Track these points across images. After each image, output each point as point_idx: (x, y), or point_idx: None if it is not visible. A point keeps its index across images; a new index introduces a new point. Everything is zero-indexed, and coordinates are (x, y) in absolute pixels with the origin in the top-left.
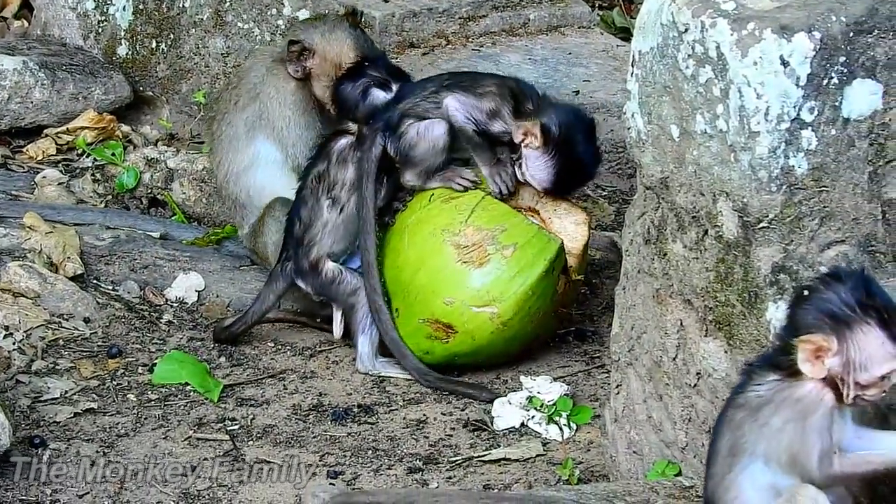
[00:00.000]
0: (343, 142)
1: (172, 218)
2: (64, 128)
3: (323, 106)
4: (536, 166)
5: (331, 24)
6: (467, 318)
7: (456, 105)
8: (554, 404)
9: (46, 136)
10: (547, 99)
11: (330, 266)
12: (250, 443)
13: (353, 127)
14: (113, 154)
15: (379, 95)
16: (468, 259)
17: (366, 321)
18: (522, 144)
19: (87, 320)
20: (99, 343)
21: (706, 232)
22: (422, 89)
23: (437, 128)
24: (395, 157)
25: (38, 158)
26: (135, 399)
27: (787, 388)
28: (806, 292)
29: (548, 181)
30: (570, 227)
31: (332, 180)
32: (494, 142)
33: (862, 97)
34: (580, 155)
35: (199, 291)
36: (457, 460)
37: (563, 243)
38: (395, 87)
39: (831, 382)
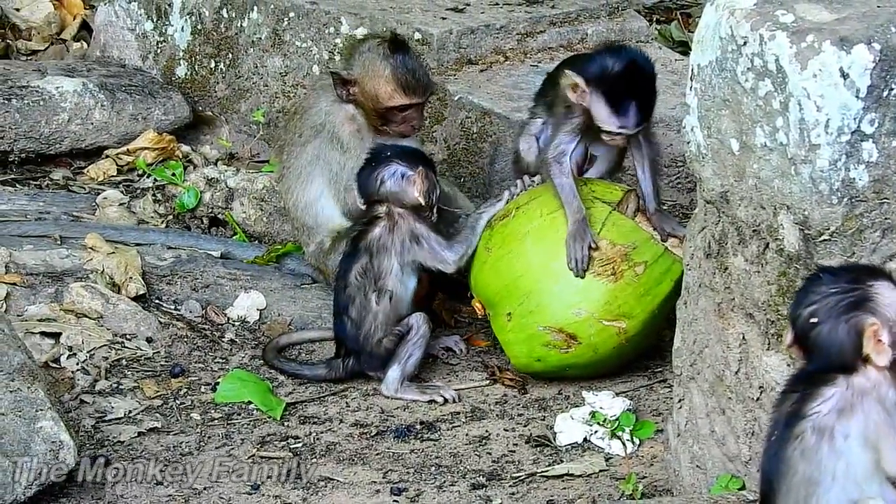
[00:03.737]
0: (377, 231)
1: (233, 237)
2: (124, 148)
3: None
4: (599, 110)
5: (369, 55)
6: (595, 330)
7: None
8: (617, 419)
9: (107, 157)
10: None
11: (385, 345)
12: (314, 460)
13: (381, 211)
14: (173, 174)
15: (398, 169)
16: (602, 272)
17: (404, 354)
18: (581, 101)
19: (149, 340)
20: (162, 362)
21: (767, 245)
22: None
23: None
24: None
25: (99, 179)
26: (198, 418)
27: (850, 392)
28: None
29: (618, 113)
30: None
31: (376, 272)
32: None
33: None
34: (622, 68)
35: (260, 310)
36: (520, 476)
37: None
38: (410, 165)
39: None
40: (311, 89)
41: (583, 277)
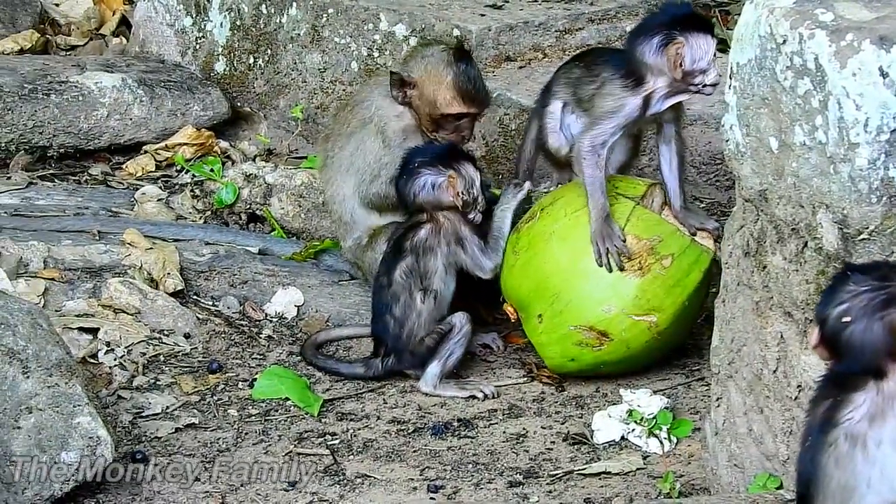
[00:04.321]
0: (422, 233)
1: (271, 233)
2: (163, 144)
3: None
4: (696, 50)
5: (432, 59)
6: (626, 326)
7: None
8: (654, 417)
9: (145, 152)
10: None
11: (426, 343)
12: (351, 457)
13: (423, 217)
14: (211, 170)
15: (428, 178)
16: (629, 267)
17: (445, 352)
18: (677, 55)
19: (187, 336)
20: (199, 358)
21: (806, 244)
22: None
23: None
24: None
25: (138, 175)
26: (235, 414)
27: (880, 397)
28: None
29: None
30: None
31: (422, 272)
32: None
33: None
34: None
35: (298, 306)
36: (557, 474)
37: (712, 255)
38: (442, 167)
39: None
40: (365, 84)
41: (611, 271)
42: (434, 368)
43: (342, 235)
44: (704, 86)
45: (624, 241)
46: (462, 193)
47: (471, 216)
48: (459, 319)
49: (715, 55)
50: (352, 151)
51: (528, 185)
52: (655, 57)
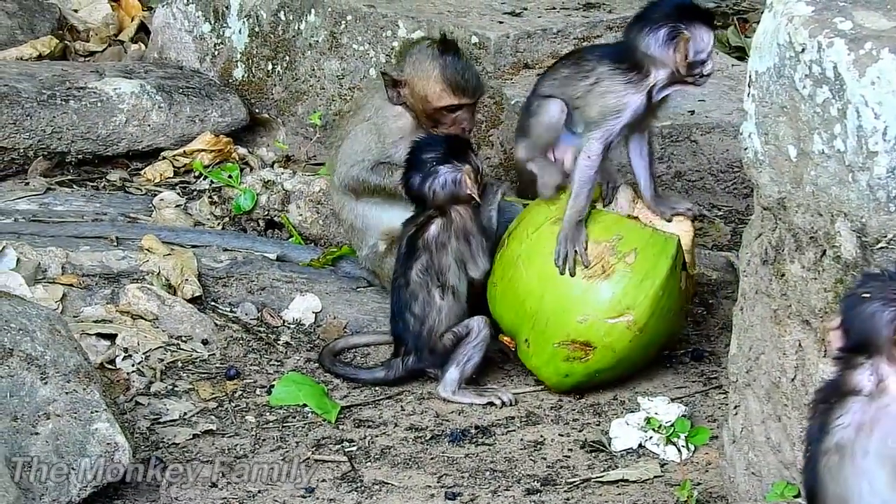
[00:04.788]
0: (433, 229)
1: (289, 239)
2: (181, 150)
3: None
4: (700, 41)
5: (419, 56)
6: (604, 331)
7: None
8: (672, 425)
9: (164, 158)
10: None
11: (444, 340)
12: (368, 464)
13: (434, 212)
14: (230, 176)
15: (446, 174)
16: (592, 273)
17: (463, 357)
18: (680, 48)
19: (205, 342)
20: (217, 365)
21: (824, 252)
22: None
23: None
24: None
25: (156, 181)
26: (253, 420)
27: (870, 405)
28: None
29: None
30: (672, 226)
31: (438, 268)
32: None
33: None
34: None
35: (316, 313)
36: (574, 481)
37: (679, 239)
38: (457, 161)
39: None
40: (364, 90)
41: (567, 274)
42: (453, 373)
43: (357, 244)
44: (701, 76)
45: (585, 248)
46: (476, 187)
47: (475, 204)
48: (478, 323)
49: (714, 46)
50: (345, 147)
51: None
52: (661, 49)
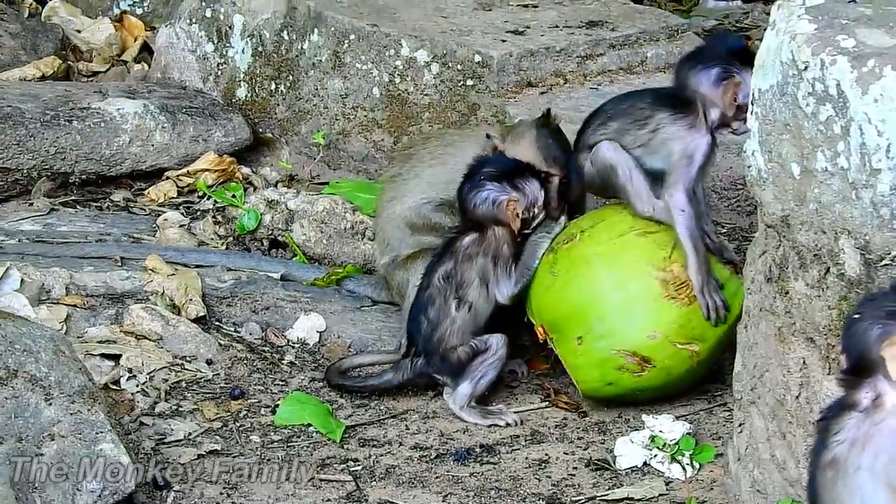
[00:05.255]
0: (467, 239)
1: (293, 259)
2: (185, 170)
3: None
4: (744, 94)
5: (522, 127)
6: (669, 353)
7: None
8: (676, 443)
9: (167, 178)
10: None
11: (458, 354)
12: (373, 483)
13: (475, 225)
14: (233, 196)
15: (490, 193)
16: (676, 296)
17: (478, 373)
18: (735, 102)
19: (209, 362)
20: (221, 385)
21: (828, 270)
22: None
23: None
24: None
25: (160, 201)
26: (258, 440)
27: (865, 420)
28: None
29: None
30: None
31: (459, 280)
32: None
33: None
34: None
35: (320, 332)
36: (579, 500)
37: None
38: (510, 185)
39: None
40: (461, 136)
41: (717, 325)
42: (465, 388)
43: (381, 248)
44: (744, 122)
45: (723, 294)
46: (521, 214)
47: (518, 234)
48: (497, 341)
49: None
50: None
51: (563, 218)
52: (711, 88)
